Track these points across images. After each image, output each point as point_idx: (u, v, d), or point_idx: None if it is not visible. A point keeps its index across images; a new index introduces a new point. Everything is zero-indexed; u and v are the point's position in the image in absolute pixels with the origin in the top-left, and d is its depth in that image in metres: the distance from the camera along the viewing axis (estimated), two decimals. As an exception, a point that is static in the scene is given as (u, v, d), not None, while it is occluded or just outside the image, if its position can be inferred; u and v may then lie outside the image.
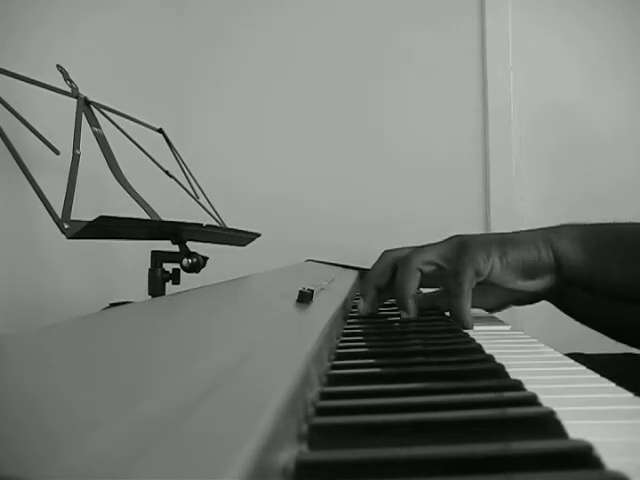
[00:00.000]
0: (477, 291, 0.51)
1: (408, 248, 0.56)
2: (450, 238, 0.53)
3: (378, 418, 0.23)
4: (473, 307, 0.57)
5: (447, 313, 0.55)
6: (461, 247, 0.51)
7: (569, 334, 1.11)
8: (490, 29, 1.43)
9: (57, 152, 0.65)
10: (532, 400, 0.25)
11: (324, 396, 0.26)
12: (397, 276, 0.53)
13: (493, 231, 1.39)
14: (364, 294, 0.55)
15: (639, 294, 0.49)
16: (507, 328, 0.51)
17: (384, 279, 0.55)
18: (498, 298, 0.60)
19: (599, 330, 0.66)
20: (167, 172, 0.89)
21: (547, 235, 0.50)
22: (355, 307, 0.62)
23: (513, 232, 0.53)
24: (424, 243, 0.59)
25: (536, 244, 0.50)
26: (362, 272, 1.06)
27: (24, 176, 0.57)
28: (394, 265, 0.54)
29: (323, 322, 0.35)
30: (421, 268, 0.52)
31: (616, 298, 0.52)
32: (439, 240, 0.55)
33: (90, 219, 0.55)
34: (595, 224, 0.52)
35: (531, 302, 0.65)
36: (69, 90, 0.74)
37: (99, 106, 0.80)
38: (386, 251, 0.57)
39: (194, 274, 0.72)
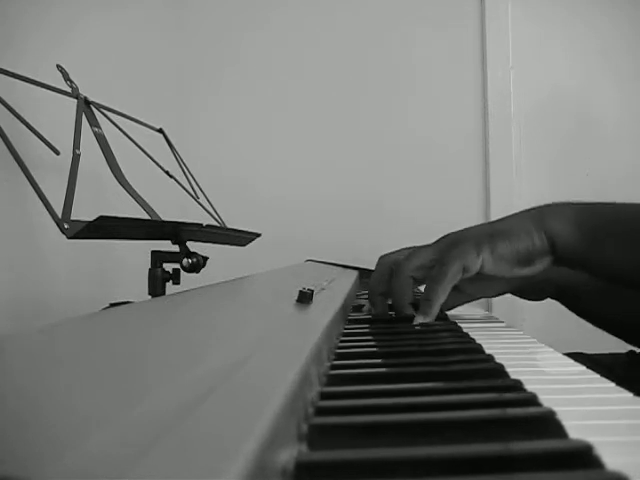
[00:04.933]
0: (474, 282, 0.51)
1: (406, 249, 0.56)
2: (442, 238, 0.53)
3: (378, 418, 0.23)
4: (472, 300, 0.57)
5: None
6: (452, 243, 0.50)
7: (569, 334, 1.11)
8: (490, 29, 1.43)
9: (57, 152, 0.65)
10: (532, 400, 0.25)
11: (324, 396, 0.26)
12: (391, 285, 0.53)
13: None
14: (373, 302, 0.56)
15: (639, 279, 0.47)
16: (507, 328, 0.51)
17: (383, 286, 0.55)
18: (496, 286, 0.59)
19: (614, 332, 0.65)
20: (167, 172, 0.89)
21: (539, 217, 0.49)
22: (355, 308, 0.62)
23: (505, 218, 0.52)
24: (424, 243, 0.58)
25: (528, 230, 0.49)
26: (362, 272, 1.07)
27: (24, 176, 0.57)
28: (390, 270, 0.55)
29: (323, 322, 0.35)
30: (413, 275, 0.52)
31: (615, 281, 0.52)
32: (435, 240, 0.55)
33: (90, 219, 0.55)
34: (591, 203, 0.51)
35: (537, 296, 0.64)
36: (69, 90, 0.74)
37: (99, 106, 0.80)
38: (382, 257, 0.58)
39: (194, 274, 0.72)
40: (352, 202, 1.46)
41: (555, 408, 0.23)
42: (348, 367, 0.33)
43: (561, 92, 1.47)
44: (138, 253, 0.82)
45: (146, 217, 0.77)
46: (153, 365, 0.22)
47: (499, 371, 0.31)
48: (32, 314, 0.88)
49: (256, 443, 0.14)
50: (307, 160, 1.48)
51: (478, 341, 0.40)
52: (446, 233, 0.54)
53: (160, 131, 0.97)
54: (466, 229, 0.53)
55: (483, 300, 0.60)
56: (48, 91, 0.71)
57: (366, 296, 0.74)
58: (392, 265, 0.55)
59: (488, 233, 0.49)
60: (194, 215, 0.83)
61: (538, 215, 0.50)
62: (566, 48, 1.46)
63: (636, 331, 0.63)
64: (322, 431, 0.22)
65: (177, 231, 0.71)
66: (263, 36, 1.50)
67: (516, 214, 0.52)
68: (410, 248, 0.56)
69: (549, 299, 0.66)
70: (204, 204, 0.92)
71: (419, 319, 0.49)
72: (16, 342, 0.24)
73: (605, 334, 0.67)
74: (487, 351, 0.36)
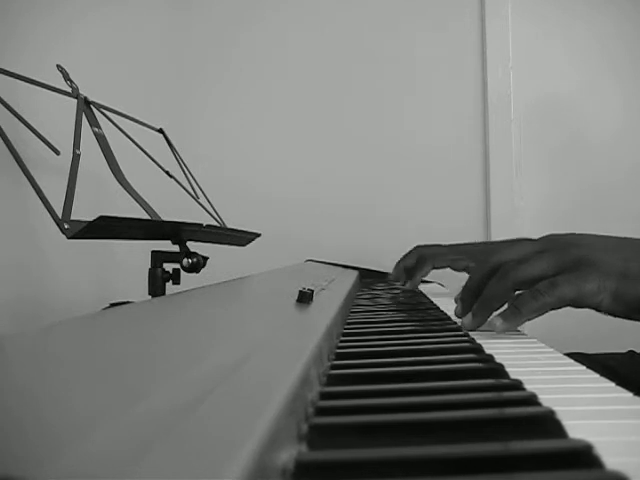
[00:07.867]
0: None
1: (518, 240, 0.49)
2: (564, 243, 0.46)
3: (378, 418, 0.23)
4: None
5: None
6: (576, 261, 0.44)
7: (569, 334, 1.11)
8: (490, 29, 1.43)
9: (57, 152, 0.65)
10: (532, 400, 0.25)
11: (324, 396, 0.26)
12: (488, 287, 0.46)
13: (494, 231, 1.38)
14: (468, 309, 0.48)
15: None
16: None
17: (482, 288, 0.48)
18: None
19: None
20: (167, 172, 0.89)
21: None
22: (355, 306, 0.62)
23: None
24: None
25: None
26: (362, 272, 1.06)
27: (24, 176, 0.57)
28: (493, 272, 0.47)
29: (323, 322, 0.35)
30: (518, 288, 0.46)
31: None
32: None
33: (90, 219, 0.55)
34: None
35: None
36: (69, 90, 0.74)
37: (99, 106, 0.80)
38: (490, 256, 0.49)
39: (194, 274, 0.72)
40: (352, 202, 1.46)
41: (555, 408, 0.23)
42: (348, 367, 0.33)
43: (561, 92, 1.47)
44: (138, 253, 0.82)
45: (146, 217, 0.77)
46: (153, 365, 0.22)
47: (499, 371, 0.31)
48: (32, 314, 0.88)
49: (256, 443, 0.14)
50: (307, 160, 1.48)
51: (478, 341, 0.40)
52: (567, 235, 0.47)
53: (160, 131, 0.97)
54: (596, 243, 0.45)
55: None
56: (48, 91, 0.71)
57: (366, 295, 0.74)
58: (497, 266, 0.47)
59: (620, 270, 0.43)
60: (194, 215, 0.83)
61: None
62: (566, 48, 1.46)
63: None
64: (322, 431, 0.22)
65: (177, 231, 0.71)
66: (263, 36, 1.50)
67: None
68: (522, 240, 0.49)
69: None
70: (204, 204, 0.92)
71: (497, 323, 0.44)
72: (16, 342, 0.24)
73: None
74: (487, 351, 0.36)
